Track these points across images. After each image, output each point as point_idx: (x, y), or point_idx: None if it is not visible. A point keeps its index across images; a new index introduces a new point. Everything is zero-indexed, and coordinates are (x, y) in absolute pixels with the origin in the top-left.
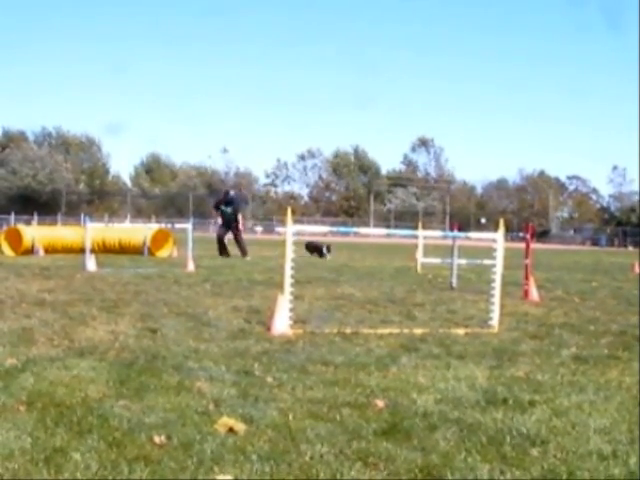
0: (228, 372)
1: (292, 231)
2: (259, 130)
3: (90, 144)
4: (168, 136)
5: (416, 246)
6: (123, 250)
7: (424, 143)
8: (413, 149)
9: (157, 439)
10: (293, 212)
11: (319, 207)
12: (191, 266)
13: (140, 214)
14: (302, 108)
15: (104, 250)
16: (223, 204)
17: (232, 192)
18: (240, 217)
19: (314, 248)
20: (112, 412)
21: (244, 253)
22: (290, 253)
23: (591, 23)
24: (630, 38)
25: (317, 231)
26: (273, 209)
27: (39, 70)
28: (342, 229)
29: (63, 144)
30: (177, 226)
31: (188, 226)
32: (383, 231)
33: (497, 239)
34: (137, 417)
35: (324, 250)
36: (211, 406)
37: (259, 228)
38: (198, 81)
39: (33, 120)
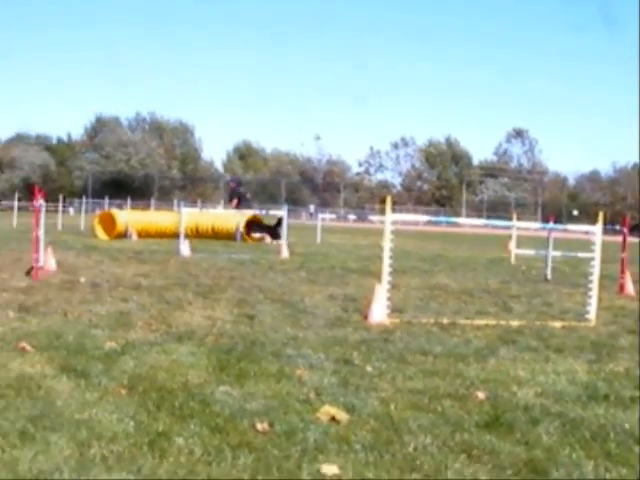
0: (327, 360)
1: (390, 220)
2: (353, 118)
3: (184, 130)
4: (260, 122)
5: (509, 237)
6: (216, 235)
7: (519, 134)
8: (508, 139)
9: (259, 426)
10: (383, 201)
11: (411, 196)
12: (285, 253)
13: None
14: (396, 96)
15: (197, 235)
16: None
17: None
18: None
19: (261, 228)
20: (213, 398)
21: None
22: (389, 242)
23: None
24: None
25: (415, 220)
26: (365, 197)
27: (134, 56)
28: (441, 219)
29: (157, 129)
30: (271, 212)
31: (282, 213)
32: (481, 221)
33: (595, 232)
34: (238, 403)
35: (277, 228)
36: (312, 394)
37: (352, 216)
38: (292, 68)
39: (127, 105)
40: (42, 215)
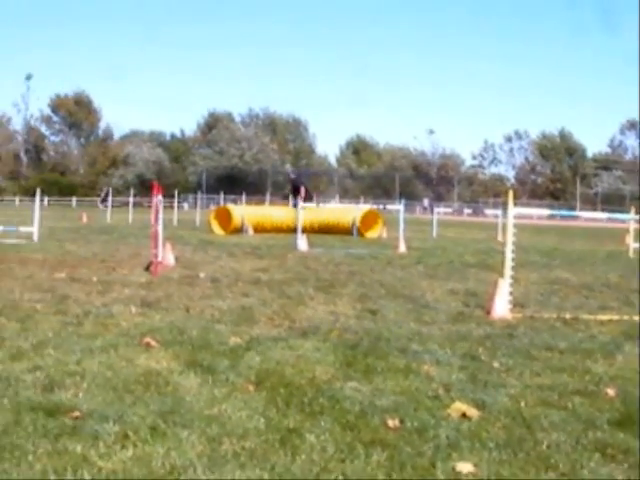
0: (454, 356)
1: (513, 214)
2: (466, 111)
3: (297, 125)
4: (373, 117)
5: (626, 230)
6: (332, 230)
7: (633, 125)
8: (622, 131)
9: (390, 423)
10: (498, 194)
11: (525, 189)
12: (402, 247)
13: (346, 194)
14: (507, 89)
15: (312, 230)
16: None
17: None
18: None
19: None
20: (342, 394)
21: None
22: (511, 236)
23: None
24: None
25: (530, 214)
26: (479, 191)
27: (246, 53)
28: (563, 212)
29: (270, 125)
30: (389, 207)
31: (399, 207)
32: (603, 215)
33: None
34: (368, 400)
35: None
36: (441, 390)
37: (468, 210)
38: (405, 62)
39: (240, 101)
40: (160, 211)
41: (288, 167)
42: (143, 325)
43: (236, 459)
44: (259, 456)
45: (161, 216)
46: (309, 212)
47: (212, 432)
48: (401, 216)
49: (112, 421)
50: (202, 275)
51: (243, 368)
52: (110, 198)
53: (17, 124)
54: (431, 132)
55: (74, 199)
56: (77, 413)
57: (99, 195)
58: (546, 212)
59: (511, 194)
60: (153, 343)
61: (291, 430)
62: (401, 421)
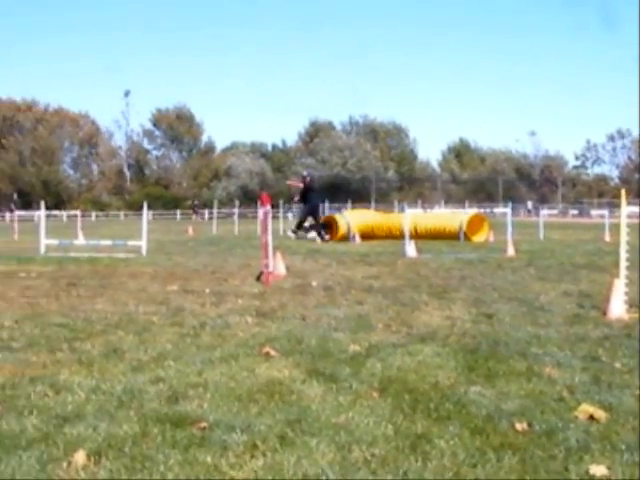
0: (574, 358)
1: (626, 212)
2: (567, 111)
3: (397, 131)
4: (474, 120)
5: None
6: (438, 236)
7: None
8: None
9: (519, 426)
10: (602, 194)
11: (630, 189)
12: (511, 250)
13: (450, 199)
14: (607, 88)
15: (417, 236)
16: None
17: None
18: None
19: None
20: (467, 398)
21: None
22: (625, 235)
23: None
24: None
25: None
26: (583, 192)
27: (344, 60)
28: None
29: (371, 132)
30: (495, 210)
31: (506, 210)
32: None
33: None
34: (494, 404)
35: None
36: (565, 393)
37: (573, 211)
38: (504, 66)
39: (339, 110)
40: (269, 221)
41: (304, 171)
42: (260, 335)
43: (367, 466)
44: (390, 463)
45: (270, 226)
46: (415, 218)
47: (341, 440)
48: (509, 219)
49: (240, 431)
50: (314, 284)
51: (365, 375)
52: (199, 210)
53: (119, 140)
54: (532, 134)
55: (178, 212)
56: (204, 424)
57: (192, 207)
58: None
59: (624, 193)
60: (273, 352)
61: (420, 436)
62: (529, 424)
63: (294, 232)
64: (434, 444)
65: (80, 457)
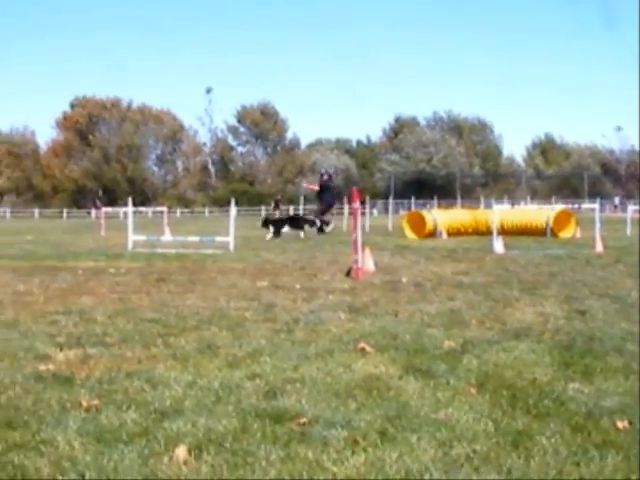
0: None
1: None
2: None
3: (482, 126)
4: (560, 116)
5: None
6: (524, 231)
7: None
8: None
9: (620, 424)
10: None
11: None
12: (599, 246)
13: (535, 195)
14: None
15: (504, 232)
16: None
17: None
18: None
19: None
20: (566, 395)
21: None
22: None
23: None
24: None
25: None
26: None
27: (428, 56)
28: None
29: (455, 128)
30: (584, 206)
31: (595, 206)
32: None
33: None
34: (593, 401)
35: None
36: None
37: None
38: (590, 60)
39: (423, 105)
40: (359, 216)
41: (323, 169)
42: (354, 331)
43: (470, 463)
44: (492, 459)
45: (359, 222)
46: (502, 214)
47: (442, 436)
48: (597, 215)
49: (339, 426)
50: (404, 280)
51: (462, 371)
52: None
53: (203, 136)
54: (619, 129)
55: (263, 208)
56: (303, 419)
57: (275, 202)
58: None
59: None
60: (368, 348)
61: (520, 432)
62: (630, 422)
63: (320, 230)
64: (535, 441)
65: (181, 452)
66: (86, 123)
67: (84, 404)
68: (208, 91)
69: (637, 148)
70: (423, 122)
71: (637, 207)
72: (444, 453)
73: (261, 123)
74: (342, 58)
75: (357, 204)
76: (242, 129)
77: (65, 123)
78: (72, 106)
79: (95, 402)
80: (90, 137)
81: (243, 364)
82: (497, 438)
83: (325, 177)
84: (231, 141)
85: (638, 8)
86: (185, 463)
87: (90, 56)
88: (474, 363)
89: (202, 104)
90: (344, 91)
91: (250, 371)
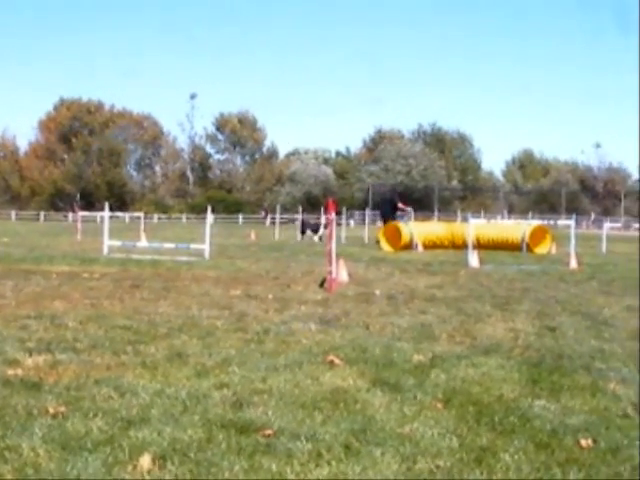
0: (638, 373)
1: None
2: (631, 123)
3: (462, 140)
4: (539, 132)
5: None
6: (500, 246)
7: None
8: None
9: (583, 442)
10: None
11: None
12: (574, 263)
13: (513, 210)
14: None
15: (480, 246)
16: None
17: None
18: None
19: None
20: (532, 412)
21: None
22: None
23: None
24: None
25: None
26: None
27: (412, 67)
28: None
29: (438, 141)
30: (559, 222)
31: (570, 223)
32: None
33: None
34: (558, 418)
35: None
36: (630, 409)
37: (636, 224)
38: (565, 75)
39: (409, 118)
40: (333, 228)
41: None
42: (324, 343)
43: (432, 478)
44: (455, 475)
45: (334, 233)
46: (478, 228)
47: (406, 451)
48: (572, 231)
49: (304, 439)
50: (377, 292)
51: (429, 386)
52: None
53: (183, 142)
54: (597, 146)
55: (240, 216)
56: (269, 431)
57: (265, 211)
58: None
59: None
60: (337, 361)
61: (484, 449)
62: (594, 440)
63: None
64: (499, 458)
65: (145, 461)
66: (69, 125)
67: (51, 410)
68: (192, 97)
69: (615, 165)
70: (407, 134)
71: (616, 224)
72: (407, 468)
73: (239, 131)
74: (324, 68)
75: (332, 215)
76: (220, 137)
77: (48, 124)
78: (56, 108)
79: (62, 409)
80: (73, 140)
81: (212, 374)
82: (461, 454)
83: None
84: (209, 148)
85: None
86: (149, 472)
87: (72, 59)
88: (442, 378)
89: (184, 110)
90: (326, 102)
91: (218, 381)
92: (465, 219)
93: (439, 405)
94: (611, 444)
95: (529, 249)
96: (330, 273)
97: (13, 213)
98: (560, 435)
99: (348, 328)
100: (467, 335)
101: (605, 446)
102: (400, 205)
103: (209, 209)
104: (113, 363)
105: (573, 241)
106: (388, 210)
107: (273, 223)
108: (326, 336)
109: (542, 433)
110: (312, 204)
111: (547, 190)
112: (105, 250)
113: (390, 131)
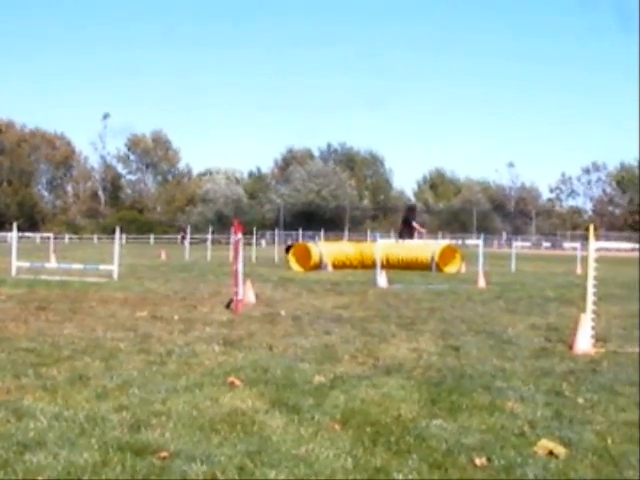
0: (538, 392)
1: (594, 247)
2: (543, 143)
3: (373, 160)
4: (450, 151)
5: None
6: (410, 266)
7: None
8: None
9: (478, 461)
10: (576, 227)
11: (603, 222)
12: (482, 282)
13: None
14: (584, 121)
15: (389, 266)
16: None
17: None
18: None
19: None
20: (429, 432)
21: None
22: (592, 270)
23: None
24: None
25: (620, 247)
26: (557, 224)
27: (324, 88)
28: None
29: (349, 160)
30: (468, 242)
31: (479, 242)
32: None
33: None
34: (454, 438)
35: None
36: (526, 427)
37: (546, 244)
38: (485, 97)
39: (319, 137)
40: (240, 249)
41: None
42: (227, 364)
43: None
44: None
45: (241, 254)
46: (387, 248)
47: (300, 472)
48: (480, 251)
49: (200, 461)
50: (283, 313)
51: (328, 407)
52: (188, 236)
53: (94, 162)
54: (511, 165)
55: (152, 237)
56: (164, 453)
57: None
58: (629, 245)
59: (592, 229)
60: (237, 382)
61: (379, 469)
62: (488, 459)
63: None
64: (392, 478)
65: None
66: None
67: None
68: (105, 117)
69: (526, 185)
70: (317, 154)
71: (526, 243)
72: None
73: (152, 152)
74: (238, 87)
75: (239, 236)
76: (132, 157)
77: None
78: None
79: None
80: None
81: (112, 396)
82: (355, 475)
83: (409, 212)
84: (121, 169)
85: None
86: None
87: None
88: (341, 399)
89: (96, 129)
90: (238, 122)
91: (118, 403)
92: (375, 239)
93: (337, 426)
94: (505, 462)
95: (439, 268)
96: (236, 294)
97: None
98: (455, 454)
99: (251, 349)
100: (370, 355)
101: (499, 465)
102: (415, 225)
103: (118, 229)
104: (13, 386)
105: (481, 260)
106: (404, 230)
107: (183, 243)
108: (229, 357)
109: (437, 452)
110: (224, 224)
111: (458, 209)
112: (13, 271)
113: (301, 150)
